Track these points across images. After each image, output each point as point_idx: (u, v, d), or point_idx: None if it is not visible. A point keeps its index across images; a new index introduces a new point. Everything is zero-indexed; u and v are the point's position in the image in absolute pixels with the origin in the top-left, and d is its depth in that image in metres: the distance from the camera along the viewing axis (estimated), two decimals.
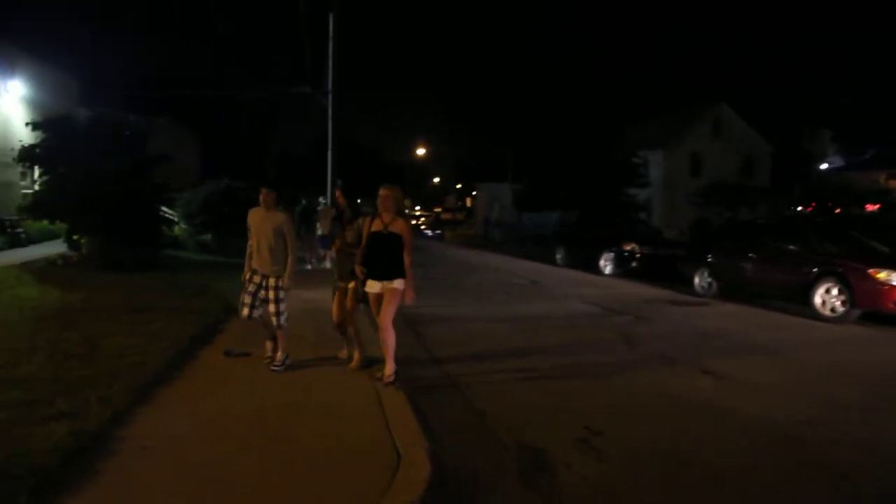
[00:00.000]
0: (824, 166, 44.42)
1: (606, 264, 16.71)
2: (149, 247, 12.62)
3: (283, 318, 6.06)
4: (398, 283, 5.68)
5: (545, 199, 36.10)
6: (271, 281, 6.01)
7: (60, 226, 13.05)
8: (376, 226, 5.68)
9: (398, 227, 5.66)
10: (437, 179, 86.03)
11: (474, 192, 62.62)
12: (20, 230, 14.73)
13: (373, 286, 5.75)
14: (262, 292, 6.05)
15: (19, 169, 12.03)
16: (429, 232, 52.73)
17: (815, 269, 9.98)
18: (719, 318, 10.04)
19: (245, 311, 6.09)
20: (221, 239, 18.35)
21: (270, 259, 5.96)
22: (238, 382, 5.71)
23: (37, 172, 13.51)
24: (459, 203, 68.76)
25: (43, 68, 18.05)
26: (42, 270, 11.17)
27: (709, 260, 12.47)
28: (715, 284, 12.23)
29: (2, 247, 13.86)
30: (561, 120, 37.29)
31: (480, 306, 10.95)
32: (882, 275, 9.20)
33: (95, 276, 10.98)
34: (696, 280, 12.63)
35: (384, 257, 5.65)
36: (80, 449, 3.99)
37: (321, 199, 19.30)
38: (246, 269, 6.14)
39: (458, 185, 74.41)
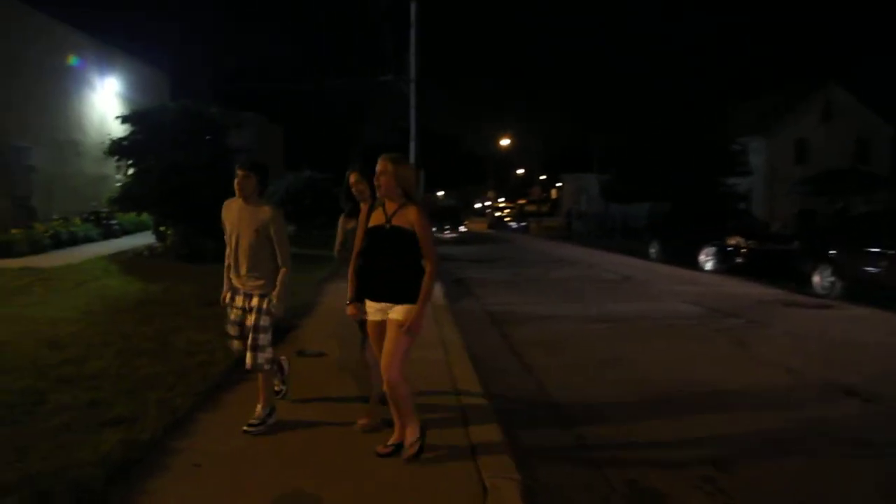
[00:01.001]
0: None
1: (707, 260, 15.44)
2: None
3: (262, 357, 4.28)
4: (400, 312, 3.65)
5: (634, 189, 34.46)
6: (254, 301, 4.29)
7: (148, 217, 13.24)
8: (375, 219, 3.76)
9: (407, 218, 3.64)
10: (521, 171, 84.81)
11: (559, 184, 61.09)
12: (114, 222, 15.11)
13: (372, 310, 3.86)
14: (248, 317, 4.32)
15: (115, 162, 12.16)
16: (513, 224, 51.82)
17: None
18: (849, 324, 8.78)
19: (235, 346, 4.52)
20: (303, 230, 18.33)
21: (251, 271, 4.24)
22: (307, 389, 5.23)
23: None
24: (544, 194, 67.32)
25: (137, 65, 18.58)
26: (128, 261, 11.27)
27: (831, 256, 11.08)
28: (839, 284, 10.84)
29: (97, 238, 14.24)
30: (652, 104, 35.31)
31: (571, 304, 10.14)
32: None
33: (177, 267, 10.96)
34: (816, 278, 11.27)
35: (386, 266, 3.73)
36: (129, 462, 3.59)
37: None
38: (224, 287, 4.44)
39: (543, 177, 72.93)
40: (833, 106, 37.45)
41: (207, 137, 12.41)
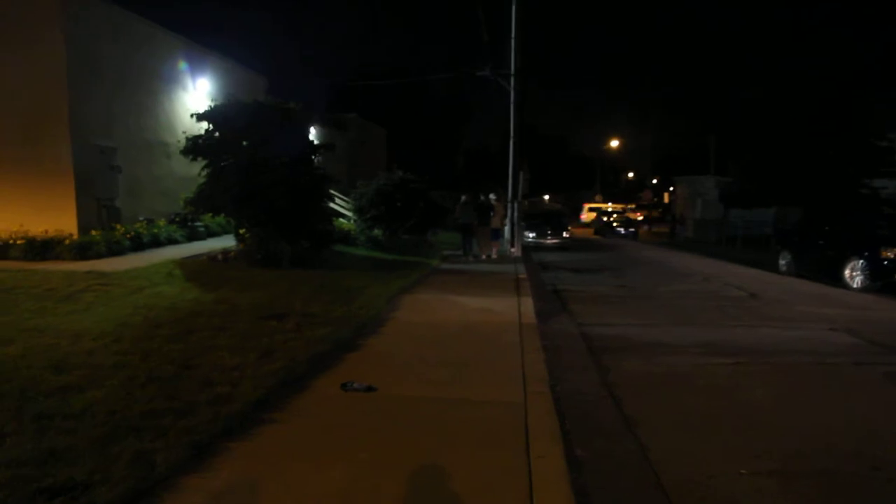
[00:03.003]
0: None
1: (855, 275, 12.99)
2: (309, 241, 11.74)
3: None
4: None
5: (758, 191, 31.23)
6: None
7: (224, 219, 12.77)
8: None
9: None
10: (631, 174, 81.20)
11: (672, 188, 57.43)
12: (199, 223, 14.81)
13: None
14: None
15: (189, 162, 11.66)
16: (621, 230, 49.14)
17: None
18: None
19: None
20: (393, 235, 17.43)
21: None
22: (344, 444, 4.01)
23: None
24: (655, 199, 63.69)
25: (230, 66, 18.42)
26: (198, 266, 10.68)
27: None
28: None
29: (181, 240, 13.95)
30: (780, 94, 31.78)
31: (686, 328, 8.42)
32: None
33: (247, 273, 10.22)
34: None
35: None
36: None
37: (491, 195, 17.83)
38: None
39: (655, 180, 69.18)
40: None
41: (288, 134, 11.62)
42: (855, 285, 12.90)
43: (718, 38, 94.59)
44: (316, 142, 13.08)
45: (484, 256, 16.56)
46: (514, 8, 18.87)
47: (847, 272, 13.16)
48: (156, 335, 6.14)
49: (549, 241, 29.50)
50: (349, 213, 19.44)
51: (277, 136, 11.24)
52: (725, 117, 35.96)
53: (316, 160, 12.54)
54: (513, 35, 18.92)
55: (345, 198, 20.16)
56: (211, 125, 11.38)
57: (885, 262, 12.32)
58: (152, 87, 15.13)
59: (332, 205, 14.31)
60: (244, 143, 11.30)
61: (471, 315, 8.30)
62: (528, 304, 9.15)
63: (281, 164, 11.06)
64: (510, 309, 8.77)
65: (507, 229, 18.88)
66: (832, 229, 14.94)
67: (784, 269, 16.08)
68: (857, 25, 75.20)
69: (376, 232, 17.27)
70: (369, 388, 5.04)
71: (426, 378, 5.36)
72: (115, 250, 11.56)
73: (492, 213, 17.08)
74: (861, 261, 12.88)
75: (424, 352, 6.34)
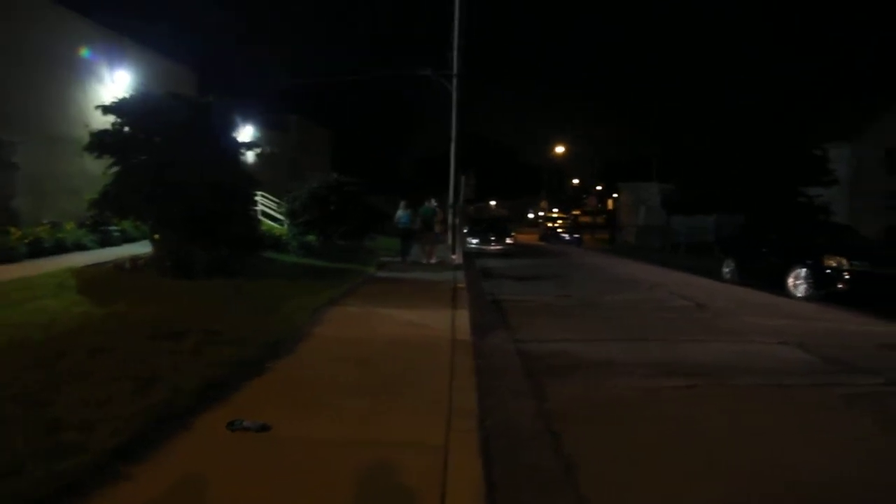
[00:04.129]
0: None
1: (798, 284, 12.80)
2: (230, 248, 10.73)
3: None
4: None
5: (699, 199, 31.57)
6: None
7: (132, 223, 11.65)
8: None
9: None
10: (576, 181, 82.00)
11: (615, 195, 57.95)
12: (114, 228, 13.56)
13: None
14: None
15: (94, 159, 10.48)
16: (566, 236, 49.25)
17: None
18: None
19: None
20: (327, 240, 16.50)
21: None
22: None
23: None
24: (599, 205, 64.26)
25: (154, 57, 17.13)
26: (100, 275, 9.56)
27: None
28: None
29: (91, 246, 12.68)
30: (722, 105, 32.19)
31: (633, 343, 7.85)
32: None
33: (155, 284, 9.16)
34: None
35: None
36: None
37: (433, 200, 17.22)
38: None
39: (599, 187, 69.90)
40: None
41: (206, 131, 10.60)
42: (798, 294, 12.71)
43: (665, 48, 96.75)
44: (242, 140, 12.08)
45: (424, 262, 15.94)
46: (456, 11, 18.32)
47: (791, 281, 12.98)
48: (15, 361, 5.13)
49: (492, 248, 29.03)
50: (281, 217, 18.39)
51: (194, 133, 10.22)
52: (668, 126, 36.28)
53: (244, 160, 11.55)
54: (455, 34, 18.32)
55: (279, 201, 19.11)
56: (119, 119, 10.26)
57: (829, 271, 12.14)
58: (60, 76, 13.80)
59: (262, 208, 13.31)
60: (156, 139, 10.22)
61: (401, 330, 7.53)
62: (464, 318, 8.44)
63: (197, 162, 10.03)
64: (444, 323, 8.04)
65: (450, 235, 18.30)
66: (776, 237, 14.80)
67: (728, 276, 15.91)
68: (799, 42, 78.00)
69: (310, 237, 16.29)
70: (263, 428, 4.19)
71: (337, 411, 4.55)
72: (6, 257, 10.30)
73: (435, 218, 16.53)
74: (804, 269, 12.70)
75: (342, 376, 5.52)
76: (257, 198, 15.40)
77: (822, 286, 12.22)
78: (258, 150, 11.92)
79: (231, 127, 11.54)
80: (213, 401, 4.70)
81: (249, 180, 11.36)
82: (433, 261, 16.10)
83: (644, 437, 4.52)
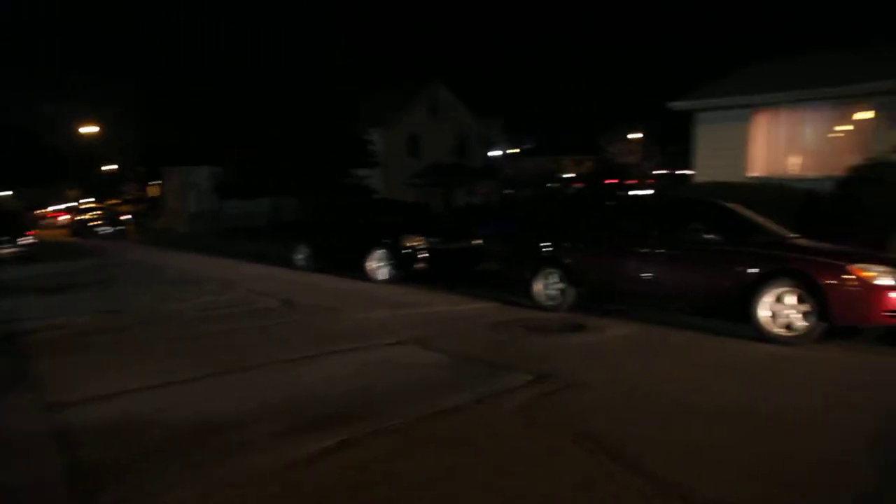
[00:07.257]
0: (495, 153, 45.97)
1: (379, 267, 12.27)
2: None
3: None
4: None
5: (252, 183, 30.36)
6: None
7: None
8: None
9: None
10: (115, 166, 72.30)
11: (159, 180, 52.57)
12: None
13: None
14: None
15: None
16: (107, 229, 42.50)
17: (758, 270, 6.83)
18: (639, 359, 6.35)
19: None
20: None
21: None
22: None
23: None
24: (141, 191, 57.66)
25: None
26: None
27: (560, 257, 8.74)
28: (571, 292, 8.58)
29: None
30: (265, 94, 31.43)
31: (229, 377, 5.61)
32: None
33: None
34: (538, 286, 8.87)
35: None
36: None
37: None
38: None
39: (141, 170, 62.78)
40: (439, 104, 39.32)
41: None
42: (380, 277, 12.22)
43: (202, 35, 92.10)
44: None
45: None
46: None
47: (371, 264, 12.40)
48: None
49: (4, 252, 22.23)
50: None
51: None
52: (220, 110, 33.82)
53: None
54: None
55: None
56: None
57: (407, 251, 11.88)
58: None
59: None
60: None
61: None
62: None
63: None
64: None
65: None
66: (352, 220, 14.15)
67: (302, 263, 14.73)
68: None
69: None
70: None
71: None
72: None
73: None
74: (383, 250, 12.25)
75: None
76: None
77: (402, 266, 11.90)
78: None
79: None
80: None
81: None
82: None
83: None
